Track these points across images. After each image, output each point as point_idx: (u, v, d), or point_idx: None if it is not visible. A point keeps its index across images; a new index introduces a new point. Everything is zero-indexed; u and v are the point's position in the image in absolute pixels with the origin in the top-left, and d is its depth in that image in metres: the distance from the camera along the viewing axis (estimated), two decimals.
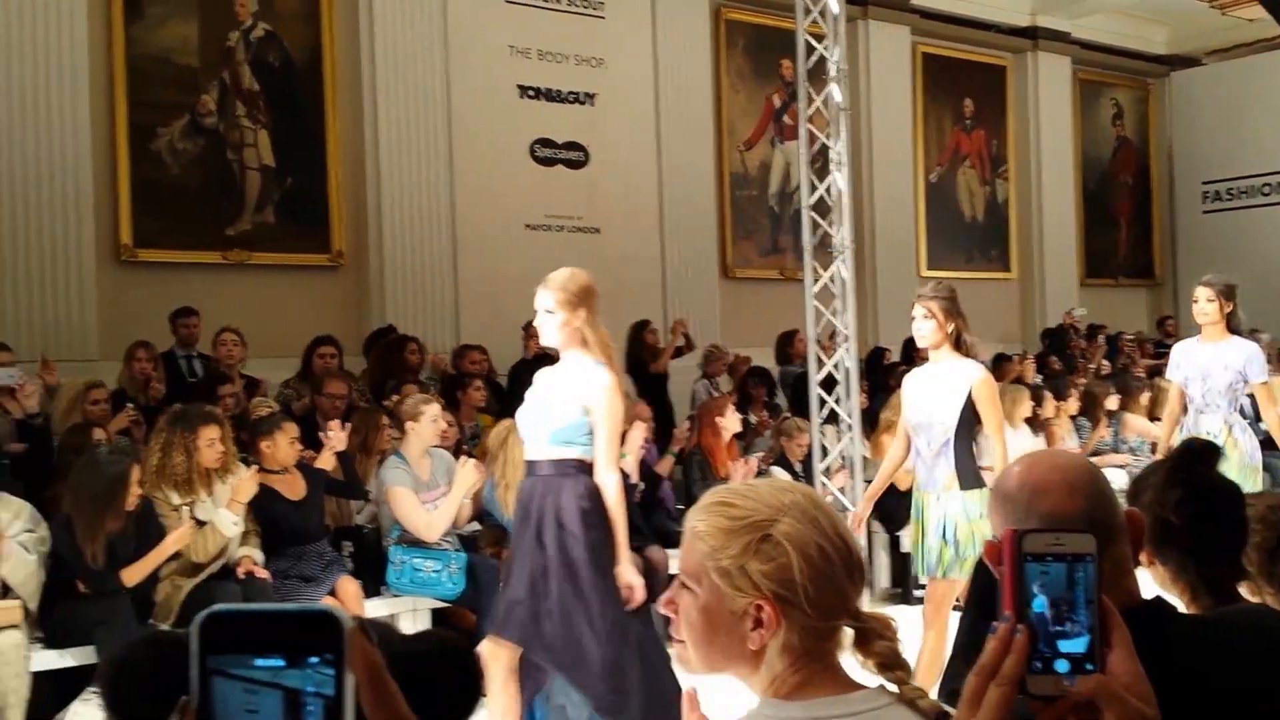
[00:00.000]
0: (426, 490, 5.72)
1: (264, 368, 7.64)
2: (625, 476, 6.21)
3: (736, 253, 11.31)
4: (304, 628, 0.77)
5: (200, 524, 5.14)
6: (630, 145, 10.44)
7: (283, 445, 5.58)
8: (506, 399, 7.89)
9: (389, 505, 5.74)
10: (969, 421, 4.77)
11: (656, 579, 6.07)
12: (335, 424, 5.84)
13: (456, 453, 6.14)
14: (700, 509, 1.49)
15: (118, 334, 7.42)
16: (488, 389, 7.74)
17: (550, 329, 4.02)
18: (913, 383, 4.97)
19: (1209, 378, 5.71)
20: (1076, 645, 0.99)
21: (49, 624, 4.85)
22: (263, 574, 5.24)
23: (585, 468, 4.03)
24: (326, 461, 5.79)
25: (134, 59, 8.10)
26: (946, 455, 4.78)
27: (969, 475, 4.78)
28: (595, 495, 4.02)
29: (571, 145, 10.17)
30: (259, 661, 0.76)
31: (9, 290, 7.43)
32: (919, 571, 5.06)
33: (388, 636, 1.43)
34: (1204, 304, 5.72)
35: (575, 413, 3.99)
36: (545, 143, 10.04)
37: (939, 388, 4.81)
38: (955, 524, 4.76)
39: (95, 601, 4.77)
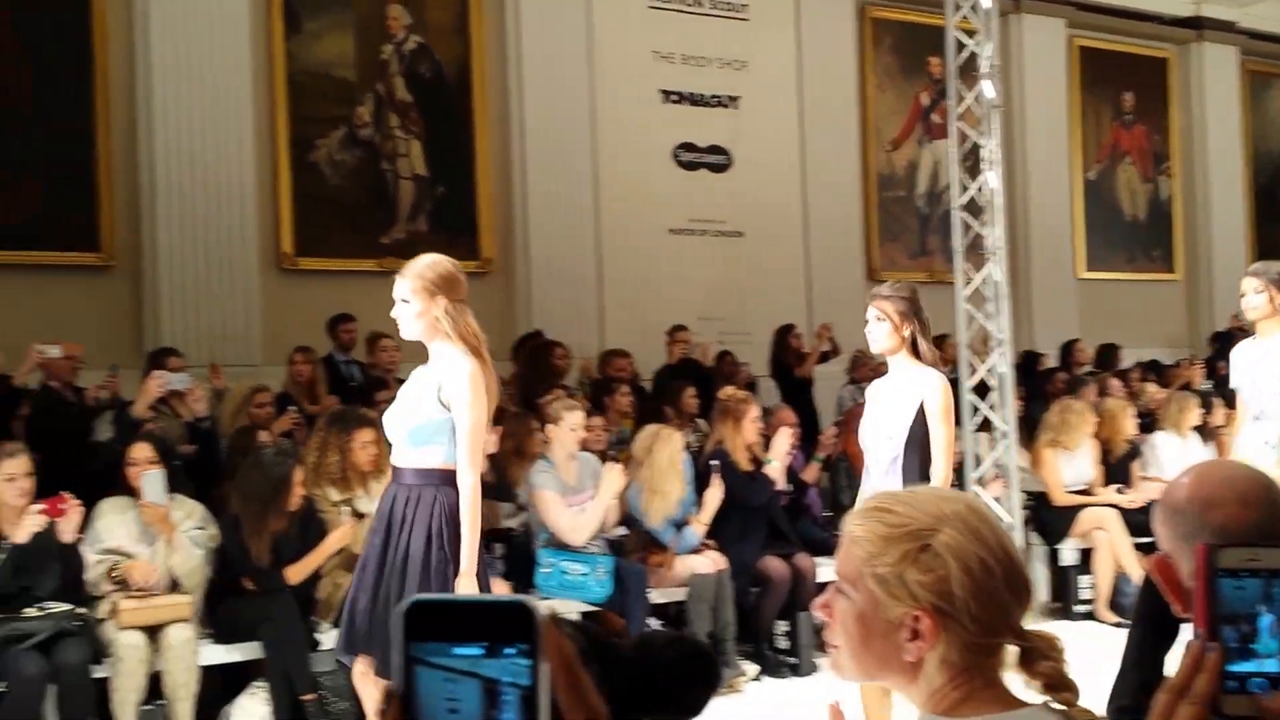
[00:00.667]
0: (573, 494, 5.77)
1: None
2: (770, 482, 6.22)
3: (883, 255, 11.12)
4: (500, 617, 0.77)
5: (360, 517, 5.30)
6: (774, 147, 10.37)
7: None
8: (651, 404, 7.94)
9: (536, 508, 5.82)
10: (919, 440, 4.17)
11: (804, 586, 6.02)
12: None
13: (603, 457, 6.19)
14: (858, 513, 1.47)
15: (280, 339, 7.72)
16: (633, 394, 7.79)
17: (408, 319, 3.70)
18: (871, 393, 4.43)
19: (1259, 380, 5.04)
20: (1272, 664, 0.94)
21: (216, 620, 5.07)
22: None
23: (452, 479, 3.67)
24: None
25: (293, 74, 8.42)
26: (894, 475, 4.16)
27: None
28: (456, 516, 3.65)
29: (714, 149, 10.17)
30: (458, 650, 0.77)
31: (178, 299, 7.81)
32: None
33: (650, 639, 1.47)
34: (1251, 296, 5.02)
35: (433, 408, 3.66)
36: (688, 147, 10.07)
37: (894, 397, 4.25)
38: None
39: (261, 598, 4.95)
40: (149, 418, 5.77)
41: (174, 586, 4.99)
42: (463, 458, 3.64)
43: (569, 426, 5.76)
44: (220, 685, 5.02)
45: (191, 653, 4.82)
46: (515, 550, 5.97)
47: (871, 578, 1.41)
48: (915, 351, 4.21)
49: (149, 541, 4.99)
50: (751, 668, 5.98)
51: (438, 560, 3.63)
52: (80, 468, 5.49)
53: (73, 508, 4.69)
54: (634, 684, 1.28)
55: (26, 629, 4.56)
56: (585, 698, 0.79)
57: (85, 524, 4.88)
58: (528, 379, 7.75)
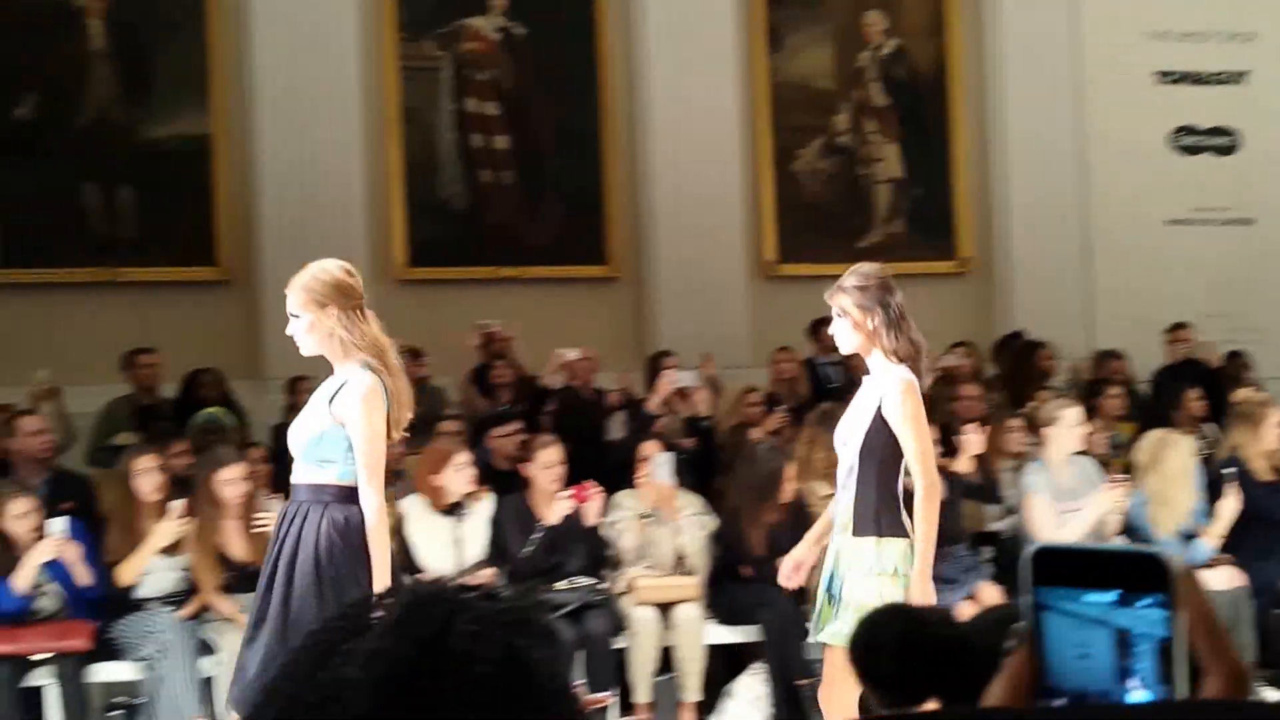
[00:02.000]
0: (1068, 498, 5.57)
1: None
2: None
3: None
4: (1132, 568, 0.76)
5: None
6: None
7: None
8: (1149, 408, 7.47)
9: (1024, 511, 5.68)
10: (879, 447, 3.66)
11: None
12: (973, 427, 5.88)
13: (1102, 463, 5.93)
14: None
15: (766, 343, 8.08)
16: (1127, 397, 7.37)
17: (300, 334, 3.50)
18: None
19: None
20: None
21: (718, 602, 5.42)
22: None
23: (346, 495, 3.47)
24: (963, 465, 5.85)
25: (776, 88, 8.78)
26: (848, 489, 3.72)
27: (867, 518, 3.64)
28: (348, 529, 3.43)
29: (1217, 130, 9.35)
30: (1088, 597, 0.76)
31: (675, 306, 8.40)
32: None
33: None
34: None
35: (326, 423, 3.47)
36: (1187, 130, 9.34)
37: (861, 399, 3.83)
38: (843, 577, 3.66)
39: (758, 586, 5.22)
40: (660, 413, 6.28)
41: (681, 567, 5.40)
42: (361, 476, 3.47)
43: (1067, 424, 5.57)
44: (723, 664, 5.36)
45: (698, 631, 5.20)
46: (1005, 553, 5.85)
47: None
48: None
49: (658, 523, 5.44)
50: (1275, 695, 5.45)
51: (330, 577, 3.42)
52: (596, 462, 6.05)
53: (596, 494, 5.22)
54: None
55: (558, 600, 5.10)
56: (1227, 653, 0.78)
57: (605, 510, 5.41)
58: (1014, 381, 7.56)
